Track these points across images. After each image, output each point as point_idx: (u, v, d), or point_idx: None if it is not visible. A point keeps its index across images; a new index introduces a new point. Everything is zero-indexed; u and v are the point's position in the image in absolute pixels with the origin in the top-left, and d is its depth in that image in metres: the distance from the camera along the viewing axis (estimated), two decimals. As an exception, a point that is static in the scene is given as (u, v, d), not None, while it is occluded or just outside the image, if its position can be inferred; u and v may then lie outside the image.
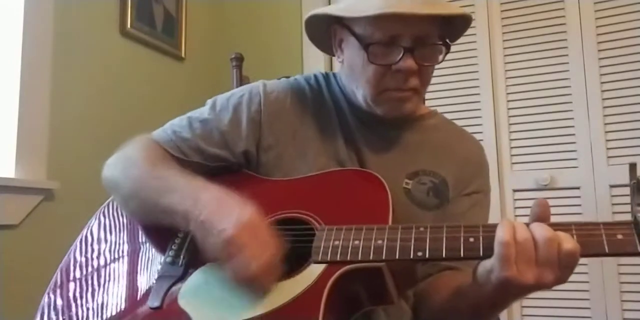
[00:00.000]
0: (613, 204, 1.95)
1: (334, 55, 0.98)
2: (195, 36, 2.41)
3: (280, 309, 0.71)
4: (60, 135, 1.73)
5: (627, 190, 0.66)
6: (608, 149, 1.99)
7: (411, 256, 0.70)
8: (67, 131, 1.76)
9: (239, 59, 1.49)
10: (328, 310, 0.69)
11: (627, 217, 2.09)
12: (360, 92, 0.91)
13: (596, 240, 0.65)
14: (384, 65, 0.85)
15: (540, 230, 0.65)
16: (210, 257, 0.73)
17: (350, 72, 0.92)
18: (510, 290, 0.68)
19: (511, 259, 0.64)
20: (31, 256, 1.58)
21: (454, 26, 0.90)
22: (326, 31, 0.94)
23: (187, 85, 2.35)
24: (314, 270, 0.73)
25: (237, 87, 1.43)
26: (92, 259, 0.87)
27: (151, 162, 0.86)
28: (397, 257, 0.71)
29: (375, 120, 0.94)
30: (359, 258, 0.72)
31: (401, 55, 0.83)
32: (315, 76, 1.02)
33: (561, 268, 0.65)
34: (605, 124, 2.01)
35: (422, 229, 0.72)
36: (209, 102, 0.98)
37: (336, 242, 0.74)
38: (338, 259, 0.73)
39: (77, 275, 0.86)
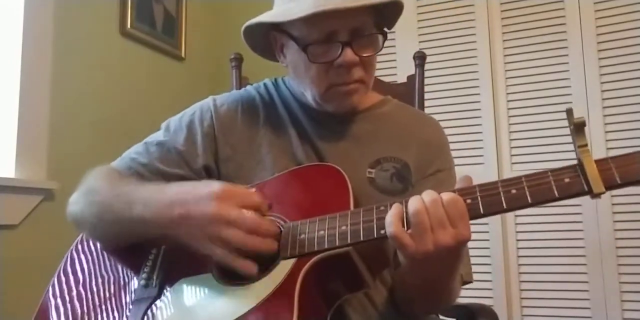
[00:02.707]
0: (613, 204, 1.96)
1: (278, 61, 0.99)
2: (195, 36, 2.41)
3: (256, 309, 0.71)
4: (60, 136, 1.73)
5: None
6: (608, 149, 1.99)
7: (375, 235, 0.72)
8: (67, 131, 1.76)
9: (239, 59, 1.49)
10: (303, 303, 0.69)
11: (631, 223, 2.10)
12: (308, 93, 0.93)
13: (546, 187, 0.68)
14: (325, 62, 0.86)
15: (427, 196, 0.69)
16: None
17: (295, 74, 0.94)
18: (424, 263, 0.71)
19: (407, 242, 0.68)
20: (31, 256, 1.58)
21: (387, 12, 0.91)
22: (266, 39, 0.96)
23: (187, 85, 2.35)
24: (284, 267, 0.74)
25: (237, 87, 1.44)
26: (69, 298, 0.87)
27: (110, 185, 0.87)
28: (362, 238, 0.72)
29: (329, 117, 0.96)
30: (326, 246, 0.73)
31: (340, 50, 0.85)
32: (265, 84, 1.05)
33: (452, 222, 0.67)
34: (605, 123, 2.01)
35: (382, 208, 0.74)
36: (163, 125, 0.99)
37: (302, 236, 0.76)
38: (306, 251, 0.74)
39: (54, 318, 0.85)
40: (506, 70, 2.16)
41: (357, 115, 0.98)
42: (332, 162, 0.91)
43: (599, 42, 2.05)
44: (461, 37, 2.22)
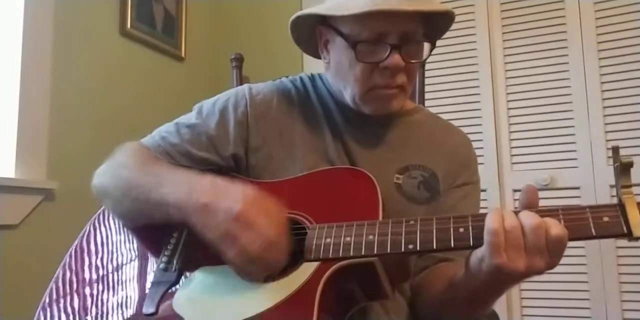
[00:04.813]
0: (613, 204, 1.95)
1: (319, 58, 0.98)
2: (195, 36, 2.41)
3: (275, 308, 0.71)
4: (60, 136, 1.73)
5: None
6: (608, 149, 1.99)
7: (402, 249, 0.71)
8: (67, 131, 1.76)
9: (239, 59, 1.49)
10: (322, 307, 0.69)
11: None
12: (348, 92, 0.92)
13: (583, 223, 0.66)
14: (371, 63, 0.86)
15: (528, 218, 0.66)
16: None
17: (337, 72, 0.93)
18: (502, 278, 0.69)
19: (501, 247, 0.65)
20: (31, 256, 1.58)
21: (437, 23, 0.91)
22: (311, 33, 0.95)
23: (187, 85, 2.35)
24: (307, 269, 0.74)
25: (237, 87, 1.44)
26: (85, 271, 0.87)
27: (141, 163, 0.86)
28: (388, 251, 0.72)
29: (363, 118, 0.95)
30: (351, 254, 0.73)
31: (388, 52, 0.84)
32: (301, 77, 1.04)
33: (550, 254, 0.66)
34: (605, 124, 2.01)
35: (412, 222, 0.73)
36: (196, 107, 0.98)
37: (328, 240, 0.75)
38: (330, 256, 0.74)
39: (71, 287, 0.86)
40: (506, 70, 2.17)
41: (391, 120, 0.98)
42: (361, 164, 0.90)
43: (599, 42, 2.05)
44: (461, 37, 2.22)
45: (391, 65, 0.85)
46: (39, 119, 1.65)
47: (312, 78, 1.03)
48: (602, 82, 2.03)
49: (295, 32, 0.96)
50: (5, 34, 1.63)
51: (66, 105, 1.76)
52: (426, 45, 0.91)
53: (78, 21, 1.84)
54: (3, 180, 1.52)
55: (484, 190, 2.09)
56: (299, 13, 0.92)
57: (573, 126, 2.05)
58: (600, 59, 2.04)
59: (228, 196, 0.72)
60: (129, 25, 2.03)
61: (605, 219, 0.66)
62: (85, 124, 1.83)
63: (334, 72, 0.94)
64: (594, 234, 0.66)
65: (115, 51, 2.00)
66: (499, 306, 2.00)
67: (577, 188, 2.03)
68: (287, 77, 1.05)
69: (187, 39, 2.35)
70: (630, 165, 0.66)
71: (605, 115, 2.02)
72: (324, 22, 0.91)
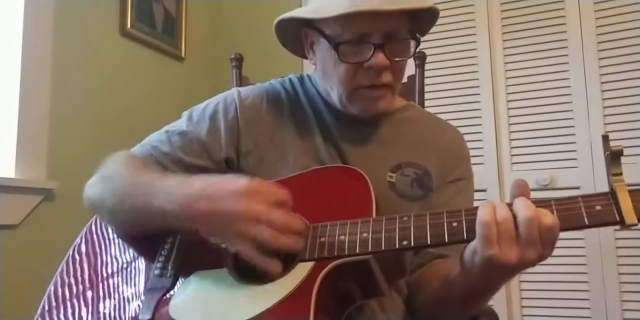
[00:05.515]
0: (613, 204, 1.95)
1: (306, 58, 0.98)
2: (195, 36, 2.41)
3: (272, 310, 0.70)
4: (60, 135, 1.73)
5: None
6: (608, 149, 1.99)
7: (397, 246, 0.71)
8: (67, 131, 1.76)
9: (239, 59, 1.49)
10: (319, 307, 0.69)
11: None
12: (334, 92, 0.92)
13: (576, 213, 0.66)
14: (355, 63, 0.86)
15: (522, 209, 0.65)
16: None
17: (323, 73, 0.93)
18: (495, 271, 0.68)
19: (492, 239, 0.65)
20: (31, 256, 1.58)
21: (422, 19, 0.90)
22: (296, 35, 0.95)
23: (187, 85, 2.35)
24: (302, 269, 0.73)
25: (237, 87, 1.44)
26: (80, 279, 0.87)
27: (132, 173, 0.85)
28: (383, 248, 0.71)
29: (353, 118, 0.95)
30: (346, 253, 0.73)
31: (372, 52, 0.84)
32: (290, 79, 1.03)
33: (543, 245, 0.65)
34: (605, 124, 2.01)
35: (405, 218, 0.73)
36: (185, 114, 0.98)
37: (322, 239, 0.75)
38: (325, 255, 0.73)
39: (67, 296, 0.85)
40: (506, 70, 2.16)
41: (381, 118, 0.97)
42: (354, 164, 0.90)
43: (599, 42, 2.05)
44: (461, 37, 2.22)
45: (375, 64, 0.84)
46: (39, 119, 1.65)
47: (301, 79, 1.03)
48: (602, 82, 2.03)
49: (280, 34, 0.96)
50: (5, 34, 1.63)
51: (66, 105, 1.76)
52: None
53: (78, 21, 1.84)
54: (3, 180, 1.52)
55: (484, 190, 2.09)
56: (282, 17, 0.92)
57: (573, 126, 2.05)
58: (600, 59, 2.04)
59: (224, 197, 0.71)
60: (129, 25, 2.03)
61: (598, 207, 0.66)
62: (85, 124, 1.84)
63: (320, 73, 0.95)
64: (586, 223, 0.66)
65: (115, 51, 2.00)
66: (499, 306, 2.00)
67: (577, 188, 2.02)
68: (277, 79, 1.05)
69: (187, 39, 2.35)
70: (620, 153, 0.66)
71: (605, 115, 2.02)
72: (309, 24, 0.91)
